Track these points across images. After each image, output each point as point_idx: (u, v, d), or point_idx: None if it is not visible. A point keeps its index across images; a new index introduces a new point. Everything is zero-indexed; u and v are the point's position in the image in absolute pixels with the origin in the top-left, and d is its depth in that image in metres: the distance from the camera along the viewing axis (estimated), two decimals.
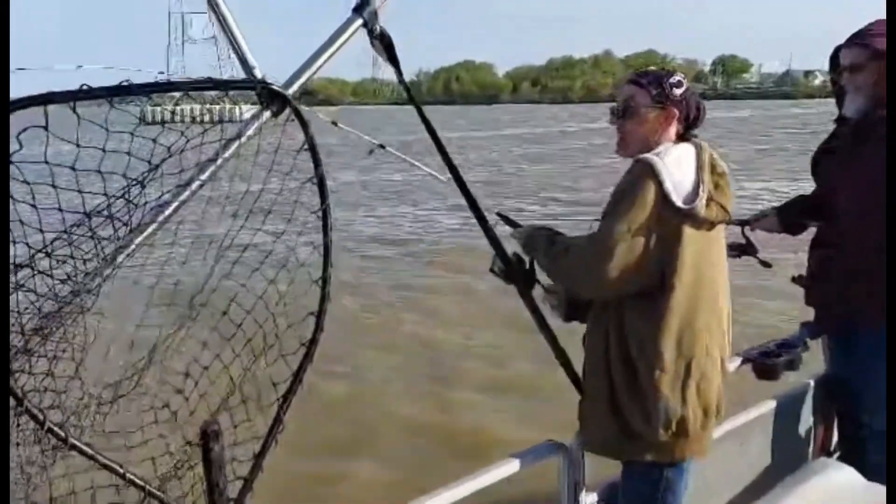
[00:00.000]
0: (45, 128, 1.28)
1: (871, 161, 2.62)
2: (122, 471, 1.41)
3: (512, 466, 2.09)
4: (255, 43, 1.61)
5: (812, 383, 3.02)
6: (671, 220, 1.90)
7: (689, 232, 1.92)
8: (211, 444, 1.60)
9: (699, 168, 1.95)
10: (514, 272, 2.20)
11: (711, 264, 2.01)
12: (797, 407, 2.99)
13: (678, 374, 1.97)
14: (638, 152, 1.97)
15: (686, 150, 1.98)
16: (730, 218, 2.02)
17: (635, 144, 2.01)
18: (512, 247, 2.25)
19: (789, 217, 2.99)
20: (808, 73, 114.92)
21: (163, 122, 1.53)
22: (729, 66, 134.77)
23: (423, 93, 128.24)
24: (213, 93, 1.69)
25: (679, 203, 1.88)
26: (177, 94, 1.51)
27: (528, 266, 2.21)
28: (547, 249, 2.09)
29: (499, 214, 2.30)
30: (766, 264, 2.98)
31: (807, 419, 3.03)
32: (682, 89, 2.00)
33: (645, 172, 1.89)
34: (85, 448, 1.34)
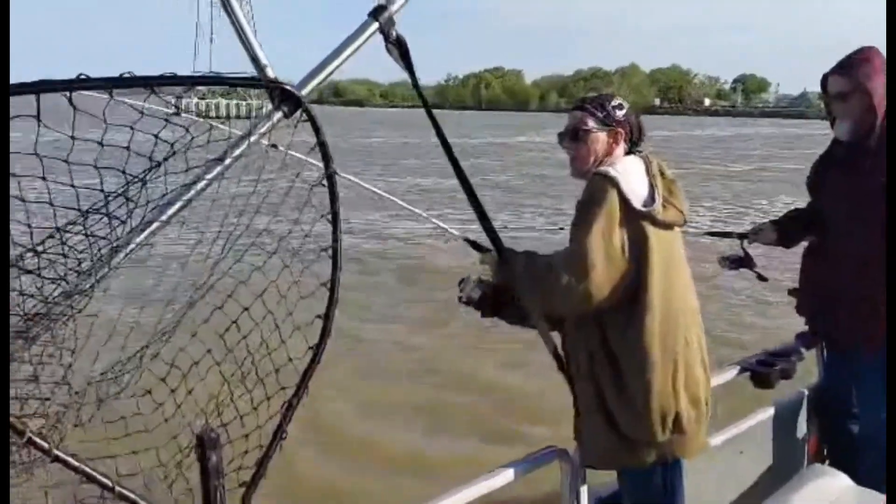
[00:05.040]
0: (38, 117, 1.15)
1: (867, 177, 2.56)
2: (110, 484, 1.26)
3: (513, 473, 1.98)
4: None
5: (806, 392, 2.96)
6: (634, 223, 1.89)
7: (652, 233, 1.90)
8: (208, 453, 1.46)
9: (650, 176, 1.96)
10: (489, 300, 2.08)
11: (676, 263, 2.00)
12: (792, 416, 2.92)
13: (666, 370, 1.92)
14: (591, 171, 1.97)
15: (634, 161, 2.00)
16: (685, 220, 2.00)
17: (588, 164, 2.02)
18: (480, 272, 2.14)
19: (786, 230, 2.90)
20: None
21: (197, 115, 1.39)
22: (749, 85, 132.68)
23: (449, 99, 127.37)
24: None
25: (639, 206, 1.88)
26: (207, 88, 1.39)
27: (495, 291, 2.09)
28: (525, 273, 1.98)
29: (466, 240, 2.21)
30: (762, 278, 2.92)
31: (801, 428, 2.96)
32: (624, 111, 2.05)
33: (604, 183, 1.90)
34: (70, 460, 1.19)
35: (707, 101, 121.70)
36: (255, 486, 1.62)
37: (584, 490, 2.16)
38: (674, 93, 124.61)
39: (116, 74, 1.16)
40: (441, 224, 2.31)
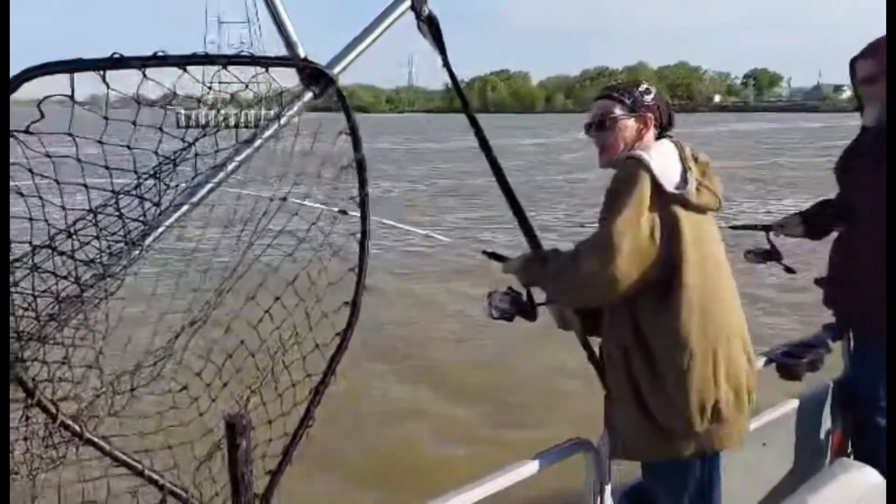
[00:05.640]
0: (72, 97, 1.14)
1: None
2: (140, 467, 1.25)
3: (537, 465, 1.95)
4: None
5: (830, 385, 2.91)
6: (668, 208, 1.85)
7: (685, 217, 1.86)
8: (237, 439, 1.45)
9: (683, 159, 1.92)
10: (519, 308, 2.06)
11: (713, 248, 1.95)
12: (817, 408, 2.88)
13: (706, 358, 1.86)
14: (622, 158, 1.94)
15: (666, 146, 1.96)
16: (720, 204, 1.96)
17: (618, 152, 1.98)
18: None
19: (813, 222, 2.85)
20: (837, 88, 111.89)
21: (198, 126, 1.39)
22: (760, 80, 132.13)
23: (455, 103, 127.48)
24: (250, 96, 1.55)
25: (671, 189, 1.84)
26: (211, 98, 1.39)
27: (525, 298, 2.06)
28: (548, 270, 1.96)
29: (485, 252, 2.19)
30: (790, 270, 2.87)
31: (825, 421, 2.92)
32: (652, 95, 2.02)
33: (636, 167, 1.86)
34: (101, 443, 1.18)
35: (717, 98, 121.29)
36: (281, 473, 1.61)
37: (608, 483, 2.12)
38: (682, 90, 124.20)
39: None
40: (445, 239, 2.29)
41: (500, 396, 5.70)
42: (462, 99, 1.90)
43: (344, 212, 1.80)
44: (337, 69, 1.42)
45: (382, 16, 1.52)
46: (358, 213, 1.51)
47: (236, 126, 1.41)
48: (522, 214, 1.99)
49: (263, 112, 1.46)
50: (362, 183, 1.47)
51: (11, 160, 1.03)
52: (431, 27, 1.62)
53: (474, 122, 1.86)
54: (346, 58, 1.45)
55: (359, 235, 1.53)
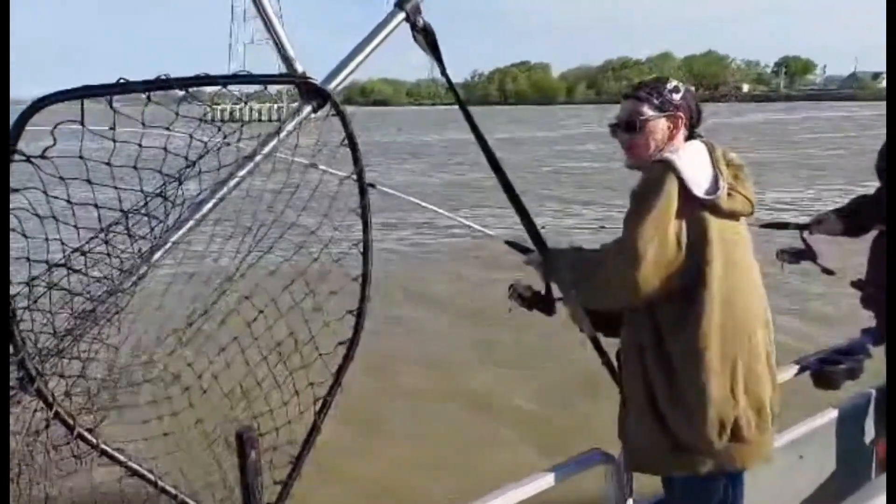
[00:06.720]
0: (81, 122, 1.24)
1: None
2: (153, 478, 1.36)
3: (557, 476, 1.98)
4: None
5: (873, 393, 2.83)
6: (696, 213, 1.84)
7: (715, 224, 1.85)
8: (247, 450, 1.54)
9: (714, 162, 1.90)
10: (537, 299, 2.11)
11: (741, 257, 1.93)
12: (858, 418, 2.80)
13: (724, 373, 1.86)
14: (650, 160, 1.94)
15: (697, 147, 1.94)
16: (753, 209, 1.94)
17: (647, 154, 1.97)
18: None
19: (850, 219, 2.82)
20: (876, 76, 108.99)
21: (223, 121, 1.48)
22: (792, 68, 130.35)
23: (476, 93, 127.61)
24: (273, 92, 1.65)
25: (701, 195, 1.83)
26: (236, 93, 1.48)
27: (545, 292, 2.12)
28: (572, 269, 2.00)
29: (507, 242, 2.22)
30: (828, 271, 2.82)
31: (868, 431, 2.84)
32: (681, 94, 1.99)
33: (665, 171, 1.85)
34: (115, 454, 1.28)
35: (745, 87, 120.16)
36: (292, 483, 1.70)
37: (630, 498, 2.13)
38: (710, 79, 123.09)
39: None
40: (479, 227, 2.35)
41: None
42: (461, 105, 1.96)
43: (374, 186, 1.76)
44: (333, 84, 1.51)
45: (377, 29, 1.60)
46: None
47: (238, 140, 1.51)
48: (522, 207, 2.01)
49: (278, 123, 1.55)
50: (362, 193, 1.56)
51: (26, 182, 1.14)
52: (427, 37, 1.69)
53: (469, 119, 1.91)
54: (342, 72, 1.54)
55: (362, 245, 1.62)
